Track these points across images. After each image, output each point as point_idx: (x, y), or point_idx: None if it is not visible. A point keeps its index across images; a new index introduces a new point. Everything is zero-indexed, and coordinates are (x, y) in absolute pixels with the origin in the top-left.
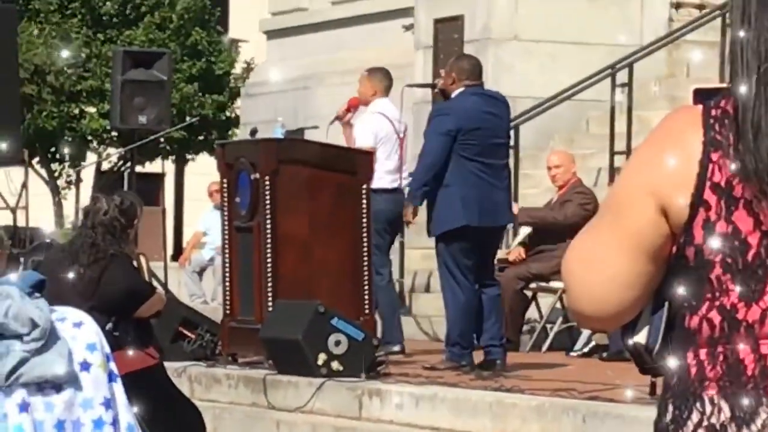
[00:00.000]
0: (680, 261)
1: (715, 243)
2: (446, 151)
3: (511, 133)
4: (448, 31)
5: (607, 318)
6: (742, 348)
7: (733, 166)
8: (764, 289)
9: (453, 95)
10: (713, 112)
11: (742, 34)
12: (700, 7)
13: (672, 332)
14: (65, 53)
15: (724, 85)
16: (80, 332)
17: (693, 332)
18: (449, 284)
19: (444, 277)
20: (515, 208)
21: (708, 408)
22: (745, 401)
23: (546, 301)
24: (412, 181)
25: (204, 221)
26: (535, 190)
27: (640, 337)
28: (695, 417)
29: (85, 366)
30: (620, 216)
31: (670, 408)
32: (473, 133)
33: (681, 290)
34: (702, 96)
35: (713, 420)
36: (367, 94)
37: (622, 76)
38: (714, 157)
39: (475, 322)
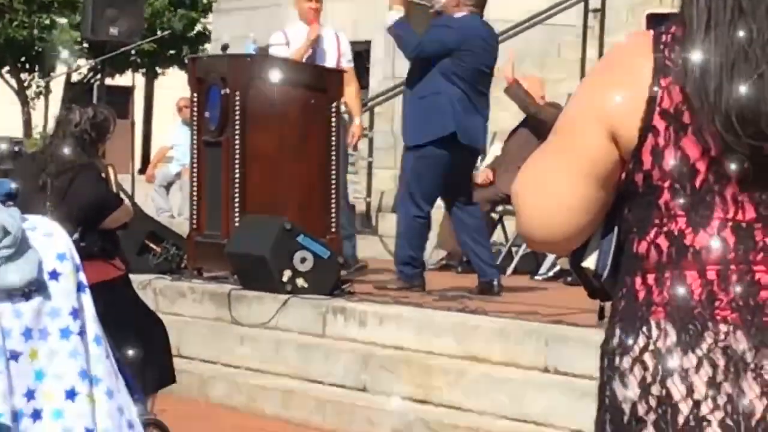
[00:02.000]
0: (629, 186)
1: (663, 168)
2: (436, 55)
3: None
4: None
5: (556, 242)
6: (689, 273)
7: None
8: (711, 216)
9: (455, 16)
10: (663, 38)
11: None
12: None
13: (620, 257)
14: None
15: (676, 10)
16: (50, 241)
17: (641, 257)
18: (407, 201)
19: (405, 192)
20: (508, 71)
21: (654, 332)
22: (691, 326)
23: (512, 224)
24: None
25: (172, 136)
26: (505, 113)
27: (590, 262)
28: (641, 341)
29: (54, 275)
30: (570, 141)
31: (617, 332)
32: (467, 55)
33: (630, 215)
34: (655, 21)
35: (659, 344)
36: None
37: (594, 2)
38: (663, 83)
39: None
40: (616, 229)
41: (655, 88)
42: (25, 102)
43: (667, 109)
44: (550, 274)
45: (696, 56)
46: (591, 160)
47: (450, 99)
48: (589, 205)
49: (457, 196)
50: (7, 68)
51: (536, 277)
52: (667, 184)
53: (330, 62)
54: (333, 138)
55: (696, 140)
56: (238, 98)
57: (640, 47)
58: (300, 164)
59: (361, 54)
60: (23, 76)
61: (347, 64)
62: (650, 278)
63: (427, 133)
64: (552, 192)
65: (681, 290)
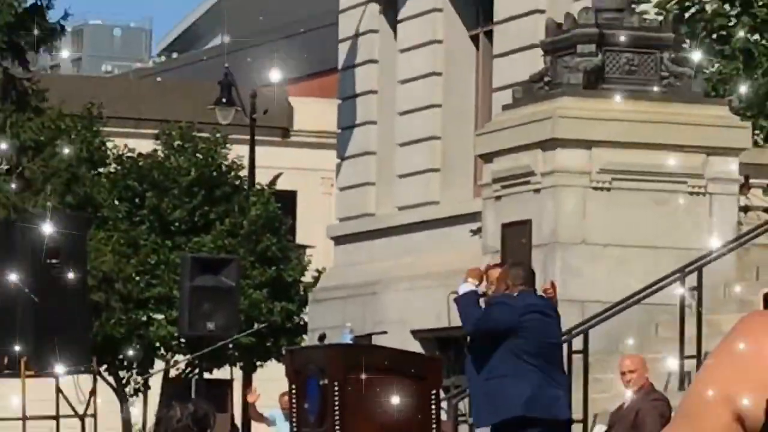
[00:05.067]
0: None
1: None
2: (489, 333)
3: (581, 337)
4: (515, 236)
5: None
6: None
7: None
8: None
9: (513, 294)
10: None
11: None
12: None
13: None
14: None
15: None
16: None
17: None
18: None
19: None
20: None
21: None
22: None
23: None
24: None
25: (272, 414)
26: (605, 395)
27: None
28: None
29: None
30: (695, 425)
31: None
32: (531, 331)
33: None
34: None
35: None
36: None
37: (691, 280)
38: None
39: None
40: None
41: None
42: (123, 400)
43: None
44: None
45: None
46: None
47: (518, 383)
48: None
49: None
50: (104, 366)
51: None
52: None
53: None
54: (434, 426)
55: None
56: (336, 389)
57: (762, 325)
58: None
59: (459, 339)
60: (121, 373)
61: None
62: None
63: (498, 413)
64: None
65: None
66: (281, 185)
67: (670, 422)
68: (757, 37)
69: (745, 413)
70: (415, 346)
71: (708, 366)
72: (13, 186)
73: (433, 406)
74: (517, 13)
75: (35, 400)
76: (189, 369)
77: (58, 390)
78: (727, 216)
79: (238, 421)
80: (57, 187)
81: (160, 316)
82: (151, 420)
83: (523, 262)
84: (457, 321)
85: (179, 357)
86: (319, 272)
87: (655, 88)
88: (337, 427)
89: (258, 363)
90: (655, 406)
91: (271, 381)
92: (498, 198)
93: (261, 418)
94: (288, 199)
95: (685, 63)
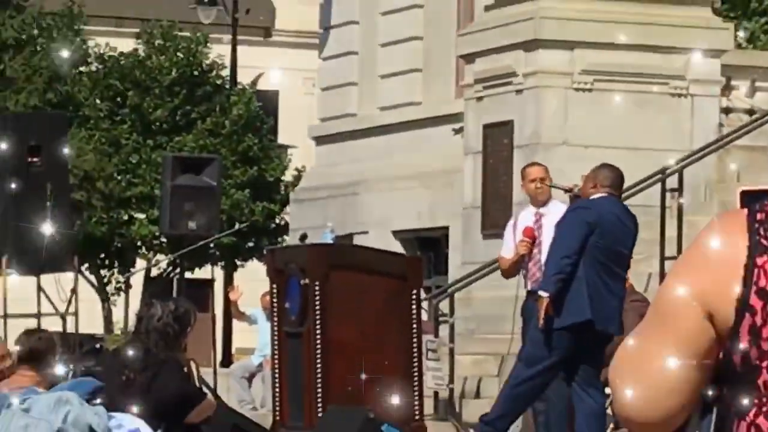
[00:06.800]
0: (727, 366)
1: (761, 348)
2: (583, 242)
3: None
4: (497, 136)
5: (655, 424)
6: None
7: None
8: None
9: (591, 198)
10: (759, 216)
11: None
12: (750, 112)
13: None
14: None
15: None
16: None
17: None
18: (523, 373)
19: (526, 358)
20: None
21: None
22: None
23: None
24: (547, 268)
25: (254, 313)
26: None
27: None
28: None
29: None
30: (667, 321)
31: None
32: (607, 236)
33: (729, 396)
34: (750, 198)
35: None
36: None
37: (672, 182)
38: (759, 261)
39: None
40: (715, 409)
41: (751, 267)
42: (105, 298)
43: (763, 287)
44: None
45: None
46: (689, 341)
47: (587, 283)
48: (688, 385)
49: (582, 375)
50: (86, 265)
51: None
52: (765, 364)
53: None
54: (414, 326)
55: None
56: (317, 288)
57: (735, 225)
58: (382, 353)
59: (440, 240)
60: (103, 272)
61: None
62: None
63: (563, 317)
64: (651, 373)
65: None
66: (263, 85)
67: (644, 319)
68: None
69: (715, 312)
70: (396, 247)
71: (682, 262)
72: None
73: (414, 306)
74: None
75: (16, 299)
76: (170, 268)
77: (40, 288)
78: (708, 118)
79: (219, 320)
80: (38, 86)
81: (141, 216)
82: (132, 319)
83: (614, 165)
84: (435, 222)
85: (160, 256)
86: (299, 171)
87: None
88: (317, 327)
89: (239, 263)
90: (634, 307)
91: (253, 281)
92: (480, 99)
93: (242, 317)
94: (270, 99)
95: None
